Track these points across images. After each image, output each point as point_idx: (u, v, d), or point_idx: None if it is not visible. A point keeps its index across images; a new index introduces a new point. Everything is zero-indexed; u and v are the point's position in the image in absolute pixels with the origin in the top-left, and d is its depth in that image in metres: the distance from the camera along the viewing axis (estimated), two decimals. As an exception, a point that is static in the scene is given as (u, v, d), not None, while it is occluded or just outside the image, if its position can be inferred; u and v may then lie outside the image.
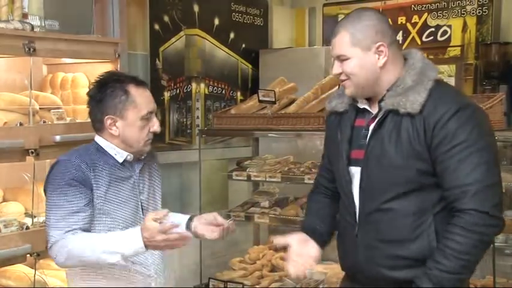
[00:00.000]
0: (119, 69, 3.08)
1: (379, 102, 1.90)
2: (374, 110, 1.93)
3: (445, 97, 1.83)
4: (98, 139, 2.10)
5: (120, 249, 1.91)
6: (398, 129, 1.83)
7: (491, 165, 1.78)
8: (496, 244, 2.85)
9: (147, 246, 1.90)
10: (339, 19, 5.35)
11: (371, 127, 1.91)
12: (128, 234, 1.94)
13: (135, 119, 2.03)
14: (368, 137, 1.90)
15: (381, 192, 1.86)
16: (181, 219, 2.21)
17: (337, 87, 2.59)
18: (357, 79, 1.88)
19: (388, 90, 1.88)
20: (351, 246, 1.95)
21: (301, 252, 1.98)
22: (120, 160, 2.07)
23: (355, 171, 1.92)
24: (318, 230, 2.06)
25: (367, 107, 1.94)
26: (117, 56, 3.11)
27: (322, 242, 2.06)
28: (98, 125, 2.08)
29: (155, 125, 2.07)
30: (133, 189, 2.10)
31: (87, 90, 3.13)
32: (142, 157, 2.14)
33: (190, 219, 2.21)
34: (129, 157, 2.08)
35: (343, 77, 1.90)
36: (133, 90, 2.03)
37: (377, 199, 1.87)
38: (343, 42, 1.86)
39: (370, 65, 1.86)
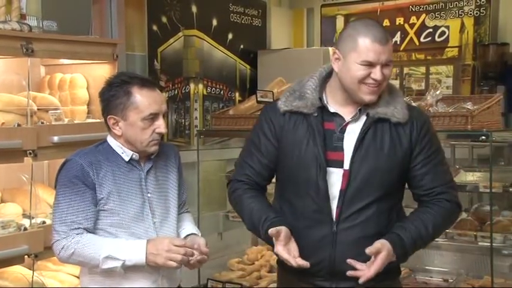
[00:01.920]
0: (116, 70, 3.08)
1: (361, 109, 1.99)
2: (345, 115, 2.01)
3: (417, 111, 2.08)
4: (108, 138, 2.14)
5: (122, 257, 1.98)
6: (385, 136, 1.98)
7: (449, 169, 2.11)
8: (494, 244, 2.86)
9: (147, 260, 1.97)
10: (337, 19, 5.37)
11: (350, 131, 1.99)
12: (132, 244, 2.01)
13: (136, 119, 2.03)
14: (354, 141, 1.97)
15: (366, 194, 1.97)
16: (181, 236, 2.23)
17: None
18: (384, 84, 1.98)
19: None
20: (324, 244, 1.98)
21: (290, 248, 1.96)
22: (126, 159, 2.09)
23: (333, 172, 1.98)
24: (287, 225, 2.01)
25: (337, 111, 2.02)
26: (115, 56, 3.10)
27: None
28: (106, 124, 2.11)
29: (160, 127, 2.06)
30: (140, 188, 2.10)
31: (85, 91, 3.17)
32: (152, 156, 2.14)
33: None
34: (134, 156, 2.09)
35: (379, 82, 1.94)
36: (136, 91, 2.03)
37: (361, 200, 1.97)
38: (391, 48, 1.97)
39: None
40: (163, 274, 2.11)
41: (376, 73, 1.91)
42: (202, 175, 3.83)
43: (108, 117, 2.07)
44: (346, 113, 2.01)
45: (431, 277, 3.29)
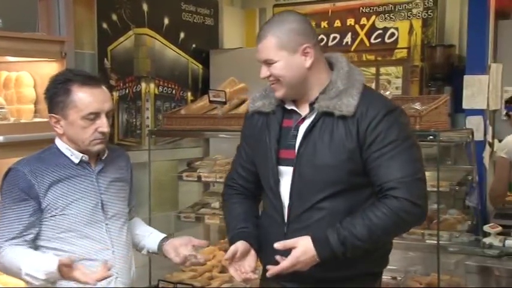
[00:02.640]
0: (65, 68, 3.02)
1: (311, 104, 1.96)
2: (302, 111, 1.98)
3: (375, 100, 1.93)
4: (57, 141, 2.08)
5: (40, 275, 1.90)
6: (331, 130, 1.90)
7: (418, 162, 1.91)
8: (440, 242, 2.93)
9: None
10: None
11: (301, 128, 1.96)
12: (44, 258, 1.94)
13: (75, 118, 1.99)
14: (301, 138, 1.95)
15: (313, 192, 1.91)
16: (153, 240, 2.22)
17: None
18: (286, 81, 1.93)
19: (321, 93, 1.94)
20: None
21: (243, 264, 1.97)
22: (76, 161, 2.05)
23: (285, 171, 1.96)
24: (253, 234, 2.03)
25: (294, 108, 2.00)
26: (63, 54, 3.04)
27: (258, 247, 2.03)
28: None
29: (103, 126, 2.01)
30: (93, 189, 2.06)
31: (32, 89, 3.09)
32: (103, 157, 2.10)
33: (163, 240, 2.20)
34: (84, 158, 2.05)
35: (272, 80, 1.95)
36: (76, 89, 1.98)
37: (309, 199, 1.92)
38: (270, 46, 1.91)
39: (297, 67, 1.92)
40: (118, 274, 2.08)
41: (261, 70, 1.95)
42: (154, 175, 3.80)
43: (50, 115, 2.03)
44: (302, 109, 1.99)
45: (380, 275, 3.35)
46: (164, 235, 2.23)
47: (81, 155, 2.05)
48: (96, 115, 2.00)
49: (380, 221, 1.83)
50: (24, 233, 1.98)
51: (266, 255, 2.01)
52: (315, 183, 1.91)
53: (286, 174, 1.96)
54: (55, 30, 3.42)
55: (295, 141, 1.95)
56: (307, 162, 1.91)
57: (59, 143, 2.07)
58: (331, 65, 2.00)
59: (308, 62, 1.92)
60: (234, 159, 2.19)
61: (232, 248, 1.95)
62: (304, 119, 1.96)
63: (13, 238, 1.97)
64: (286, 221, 1.96)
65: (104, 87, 2.05)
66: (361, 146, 1.88)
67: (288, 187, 1.96)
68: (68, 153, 2.05)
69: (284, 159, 1.97)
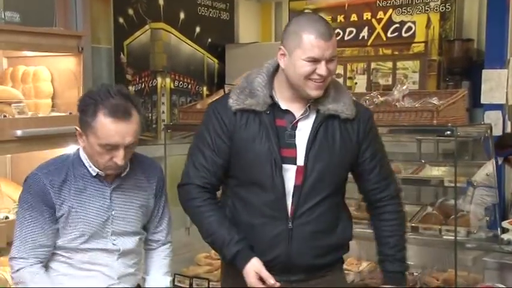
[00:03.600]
0: (82, 63, 3.04)
1: (310, 105, 2.01)
2: (296, 112, 2.02)
3: (361, 106, 2.14)
4: (80, 149, 2.06)
5: None
6: (335, 132, 2.01)
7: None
8: (458, 238, 2.91)
9: None
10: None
11: (302, 128, 2.00)
12: None
13: (93, 143, 1.95)
14: (308, 138, 1.99)
15: (319, 190, 2.00)
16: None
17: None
18: (330, 79, 1.99)
19: (321, 97, 1.99)
20: (280, 240, 2.01)
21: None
22: (93, 174, 2.03)
23: (287, 169, 2.00)
24: (248, 244, 2.05)
25: (289, 108, 2.02)
26: (80, 49, 3.05)
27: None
28: None
29: (118, 158, 1.96)
30: (104, 204, 2.04)
31: (49, 84, 3.11)
32: (122, 174, 2.07)
33: None
34: (100, 172, 2.03)
35: (324, 77, 1.95)
36: (102, 116, 1.93)
37: (315, 196, 2.00)
38: (335, 44, 1.96)
39: None
40: (121, 280, 2.08)
41: (321, 69, 1.92)
42: (170, 170, 3.80)
43: (76, 127, 2.01)
44: (296, 109, 2.02)
45: (397, 270, 3.34)
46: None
47: (97, 170, 2.02)
48: (113, 147, 1.95)
49: (402, 226, 2.15)
50: (45, 241, 1.99)
51: (255, 252, 2.01)
52: (323, 181, 2.00)
53: (288, 172, 2.00)
54: (72, 25, 3.43)
55: (294, 140, 2.00)
56: (316, 162, 1.99)
57: (81, 151, 2.05)
58: None
59: None
60: (197, 155, 2.09)
61: (256, 271, 1.98)
62: (299, 119, 2.01)
63: (35, 248, 1.98)
64: (290, 217, 2.00)
65: (131, 119, 1.96)
66: (359, 147, 2.06)
67: (290, 184, 2.00)
68: (86, 164, 2.03)
69: (285, 157, 1.99)
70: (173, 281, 3.49)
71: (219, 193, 2.15)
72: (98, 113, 1.93)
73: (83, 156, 2.04)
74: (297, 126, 2.01)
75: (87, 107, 1.95)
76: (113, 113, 1.93)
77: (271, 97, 2.01)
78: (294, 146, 2.00)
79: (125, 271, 2.10)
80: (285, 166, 1.99)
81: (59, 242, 2.02)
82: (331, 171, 2.01)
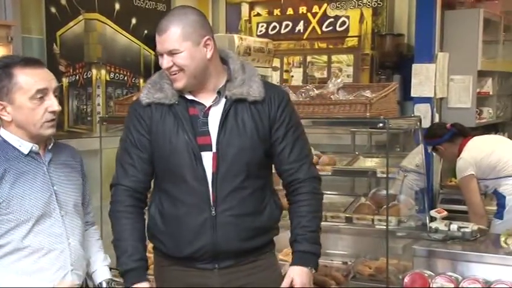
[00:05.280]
0: (11, 53, 2.91)
1: (218, 92, 2.06)
2: (204, 100, 2.07)
3: (273, 88, 2.17)
4: (2, 132, 1.99)
5: None
6: (246, 115, 2.04)
7: (308, 143, 2.20)
8: (389, 227, 2.98)
9: None
10: (242, 7, 5.37)
11: (212, 114, 2.05)
12: None
13: (23, 101, 1.91)
14: (218, 124, 2.03)
15: (236, 174, 2.04)
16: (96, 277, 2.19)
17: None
18: (189, 71, 2.01)
19: (227, 82, 2.06)
20: (205, 229, 2.03)
21: None
22: (26, 151, 1.97)
23: (204, 157, 2.03)
24: (146, 266, 2.09)
25: (195, 98, 2.07)
26: (9, 39, 2.93)
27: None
28: None
29: (53, 105, 1.94)
30: (44, 180, 1.99)
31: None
32: (49, 147, 2.03)
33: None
34: (34, 148, 1.97)
35: (174, 70, 2.01)
36: (18, 71, 1.91)
37: (233, 180, 2.03)
38: (174, 37, 1.98)
39: (200, 57, 2.01)
40: (73, 267, 2.02)
41: (163, 61, 2.01)
42: (105, 162, 3.71)
43: None
44: (204, 98, 2.07)
45: (331, 260, 3.39)
46: (105, 277, 2.18)
47: (31, 144, 1.97)
48: (44, 93, 1.93)
49: (315, 207, 2.13)
50: None
51: (183, 243, 2.05)
52: (237, 165, 2.03)
53: (206, 159, 2.03)
54: (1, 14, 3.29)
55: (207, 128, 2.04)
56: (228, 147, 2.02)
57: (5, 133, 1.98)
58: (222, 59, 2.11)
59: (209, 53, 2.02)
60: (123, 155, 2.11)
61: None
62: (210, 106, 2.06)
63: None
64: (212, 204, 2.02)
65: (44, 67, 1.98)
66: (271, 129, 2.08)
67: (209, 172, 2.03)
68: (16, 144, 1.96)
69: (201, 145, 2.03)
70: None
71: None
72: (13, 70, 1.91)
73: (9, 136, 1.97)
74: (208, 114, 2.05)
75: (1, 76, 1.92)
76: (27, 63, 1.94)
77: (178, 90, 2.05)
78: (207, 133, 2.04)
79: (76, 253, 2.04)
80: (203, 154, 2.02)
81: (4, 228, 1.92)
82: (244, 155, 2.03)
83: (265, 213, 2.10)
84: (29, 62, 1.95)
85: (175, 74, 2.02)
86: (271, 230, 2.16)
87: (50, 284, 1.95)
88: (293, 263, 2.09)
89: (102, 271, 2.19)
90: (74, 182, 2.10)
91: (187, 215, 2.04)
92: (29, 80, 1.91)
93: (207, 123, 2.04)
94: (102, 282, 2.17)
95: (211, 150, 2.03)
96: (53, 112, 1.95)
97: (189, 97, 2.07)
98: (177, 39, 1.97)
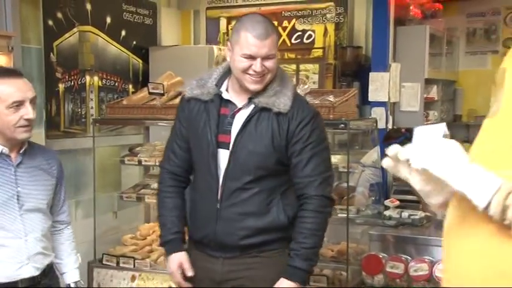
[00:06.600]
0: (12, 62, 2.86)
1: (251, 98, 1.98)
2: (238, 102, 2.01)
3: (303, 104, 2.04)
4: None
5: None
6: (266, 123, 1.96)
7: (329, 162, 2.08)
8: (349, 216, 3.01)
9: None
10: (220, 21, 5.36)
11: (238, 117, 2.00)
12: None
13: (0, 108, 1.87)
14: (239, 126, 1.97)
15: (244, 174, 1.97)
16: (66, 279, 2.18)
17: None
18: (272, 74, 1.96)
19: (262, 91, 1.97)
20: (210, 219, 2.00)
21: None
22: None
23: (221, 154, 1.99)
24: (183, 238, 2.12)
25: (231, 99, 2.01)
26: (10, 49, 2.88)
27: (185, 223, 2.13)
28: None
29: (28, 113, 1.89)
30: (10, 181, 1.94)
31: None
32: (22, 150, 1.98)
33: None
34: (4, 150, 1.93)
35: (262, 73, 1.93)
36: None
37: (240, 180, 1.97)
38: (274, 43, 1.93)
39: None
40: (29, 260, 1.97)
41: (256, 65, 1.90)
42: (98, 160, 3.68)
43: None
44: (240, 100, 2.01)
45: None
46: (75, 279, 2.17)
47: (1, 147, 1.91)
48: (19, 103, 1.88)
49: (315, 225, 1.98)
50: None
51: (195, 228, 2.06)
52: (246, 166, 1.97)
53: (223, 156, 1.99)
54: (2, 26, 3.23)
55: (231, 128, 1.99)
56: (242, 149, 1.96)
57: None
58: None
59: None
60: (168, 142, 2.14)
61: (178, 264, 2.06)
62: (240, 109, 2.00)
63: None
64: (219, 198, 1.98)
65: (24, 78, 1.92)
66: (289, 141, 1.97)
67: (223, 168, 1.99)
68: None
69: (221, 142, 1.99)
70: (101, 259, 3.39)
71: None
72: None
73: None
74: (236, 115, 2.00)
75: None
76: (6, 74, 1.88)
77: (217, 88, 1.99)
78: (229, 133, 1.99)
79: (35, 248, 1.98)
80: (220, 150, 1.99)
81: None
82: (255, 159, 1.95)
83: (269, 215, 1.98)
84: (8, 72, 1.90)
85: (260, 77, 1.93)
86: (274, 231, 2.01)
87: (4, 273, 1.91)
88: (283, 275, 1.99)
89: (72, 274, 2.19)
90: (43, 184, 2.04)
91: (201, 203, 2.04)
92: (6, 90, 1.86)
93: (231, 123, 2.00)
94: (71, 284, 2.17)
95: (228, 148, 1.98)
96: (28, 120, 1.90)
97: (226, 97, 2.01)
98: (275, 45, 1.94)
